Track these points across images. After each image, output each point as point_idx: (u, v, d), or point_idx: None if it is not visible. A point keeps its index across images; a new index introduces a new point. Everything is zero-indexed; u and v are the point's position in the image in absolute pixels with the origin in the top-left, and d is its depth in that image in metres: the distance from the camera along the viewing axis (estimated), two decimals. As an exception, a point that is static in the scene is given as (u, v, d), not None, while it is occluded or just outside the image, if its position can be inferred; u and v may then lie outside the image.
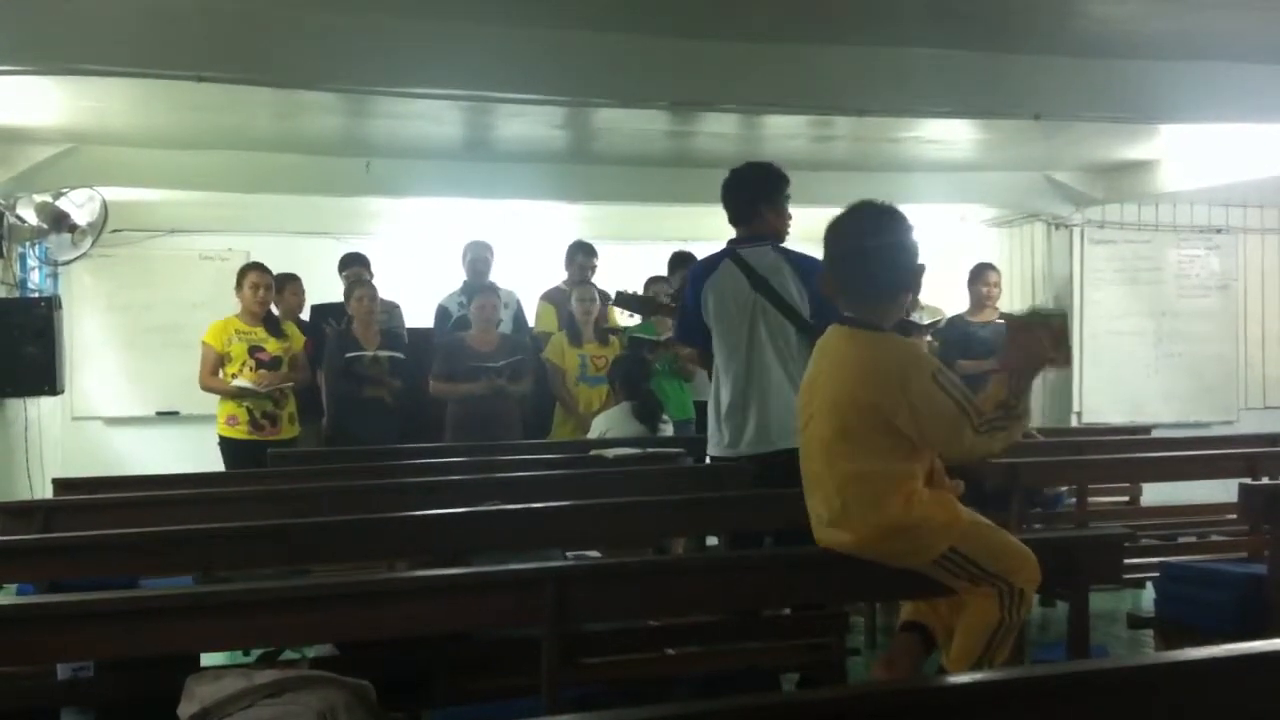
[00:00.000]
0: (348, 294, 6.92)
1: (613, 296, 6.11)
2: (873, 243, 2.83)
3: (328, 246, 8.35)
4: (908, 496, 2.74)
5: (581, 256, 7.19)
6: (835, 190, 8.08)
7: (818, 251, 3.06)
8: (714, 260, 4.38)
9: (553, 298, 7.28)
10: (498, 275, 7.30)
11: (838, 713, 1.87)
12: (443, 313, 7.20)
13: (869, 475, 2.74)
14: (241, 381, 6.37)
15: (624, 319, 7.26)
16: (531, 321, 7.32)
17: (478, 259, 7.20)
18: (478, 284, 7.01)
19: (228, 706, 2.65)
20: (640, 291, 6.27)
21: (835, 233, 2.89)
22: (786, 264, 4.24)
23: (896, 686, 2.41)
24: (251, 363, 6.44)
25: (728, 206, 4.41)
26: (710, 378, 4.45)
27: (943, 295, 7.38)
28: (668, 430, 6.03)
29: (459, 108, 5.94)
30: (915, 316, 6.11)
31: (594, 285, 7.03)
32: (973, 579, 2.76)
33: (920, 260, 2.91)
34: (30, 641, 2.53)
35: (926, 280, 3.07)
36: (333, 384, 6.70)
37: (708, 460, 4.58)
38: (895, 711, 1.87)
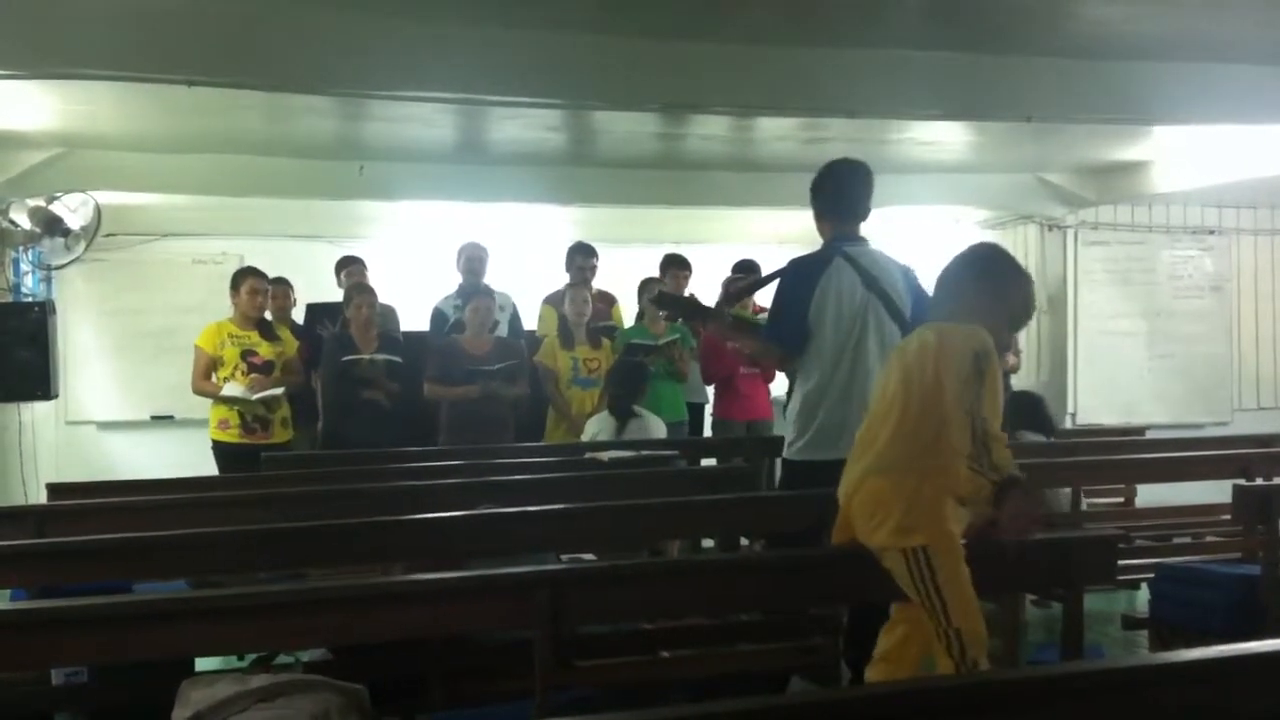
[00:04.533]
0: (348, 298, 6.89)
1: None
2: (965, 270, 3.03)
3: (321, 250, 8.35)
4: (921, 476, 2.82)
5: (580, 258, 7.15)
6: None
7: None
8: (822, 258, 4.12)
9: (554, 301, 7.23)
10: (493, 278, 7.27)
11: (832, 714, 1.87)
12: (439, 316, 7.17)
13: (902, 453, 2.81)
14: (232, 390, 6.34)
15: (631, 321, 7.24)
16: (531, 324, 7.31)
17: (473, 260, 7.16)
18: (473, 286, 7.00)
19: (221, 711, 2.65)
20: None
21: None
22: (895, 266, 4.15)
23: (891, 688, 2.42)
24: (244, 366, 6.43)
25: (858, 200, 4.18)
26: (794, 379, 4.24)
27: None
28: (659, 431, 6.00)
29: (452, 110, 5.93)
30: None
31: (589, 287, 7.02)
32: (924, 593, 2.80)
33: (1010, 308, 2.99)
34: (24, 646, 2.53)
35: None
36: (329, 387, 6.67)
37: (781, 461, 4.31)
38: (890, 713, 1.87)
